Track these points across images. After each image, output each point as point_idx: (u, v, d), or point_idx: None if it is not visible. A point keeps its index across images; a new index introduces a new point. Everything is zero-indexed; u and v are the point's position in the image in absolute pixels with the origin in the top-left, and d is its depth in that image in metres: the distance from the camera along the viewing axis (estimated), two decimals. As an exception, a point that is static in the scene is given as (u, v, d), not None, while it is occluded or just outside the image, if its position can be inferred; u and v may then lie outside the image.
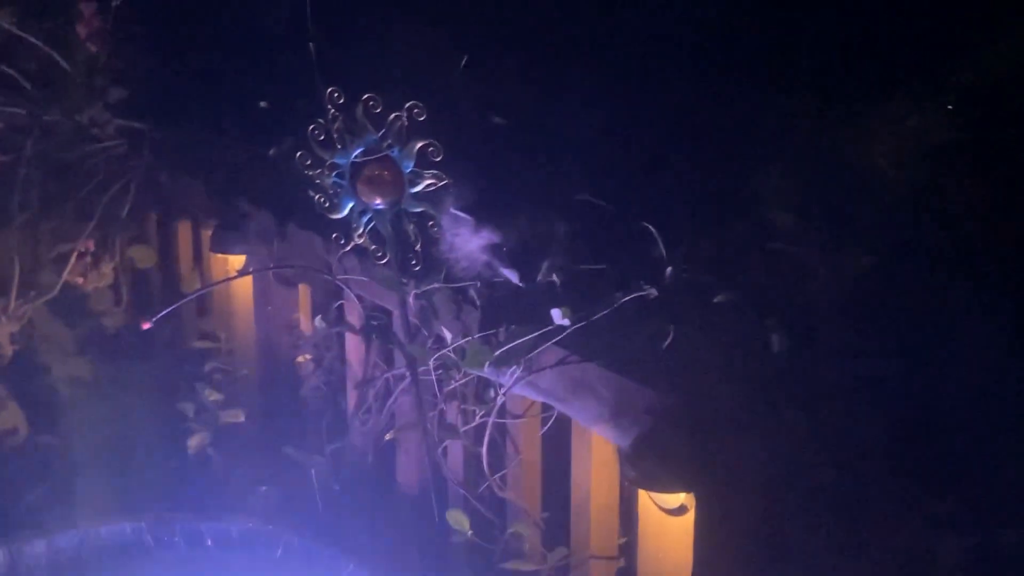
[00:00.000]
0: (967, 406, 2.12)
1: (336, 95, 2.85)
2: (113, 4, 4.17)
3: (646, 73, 2.88)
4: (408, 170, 2.82)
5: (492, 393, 2.87)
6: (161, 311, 3.29)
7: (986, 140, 2.35)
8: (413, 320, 3.04)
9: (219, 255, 4.14)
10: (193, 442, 3.91)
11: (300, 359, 3.88)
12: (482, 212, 2.75)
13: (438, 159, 2.77)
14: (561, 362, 2.63)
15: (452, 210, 2.77)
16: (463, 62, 3.09)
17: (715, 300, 2.41)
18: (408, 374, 3.09)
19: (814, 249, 2.39)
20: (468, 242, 2.75)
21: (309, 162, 2.94)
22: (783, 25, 2.65)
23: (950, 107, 2.36)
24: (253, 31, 3.96)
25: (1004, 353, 2.13)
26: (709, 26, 2.80)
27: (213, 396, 3.95)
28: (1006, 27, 2.35)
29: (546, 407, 2.87)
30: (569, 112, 2.93)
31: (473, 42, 3.17)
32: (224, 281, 4.12)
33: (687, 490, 2.41)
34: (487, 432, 2.92)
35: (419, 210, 2.85)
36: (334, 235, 3.00)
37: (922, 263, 2.31)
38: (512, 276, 2.71)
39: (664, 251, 2.51)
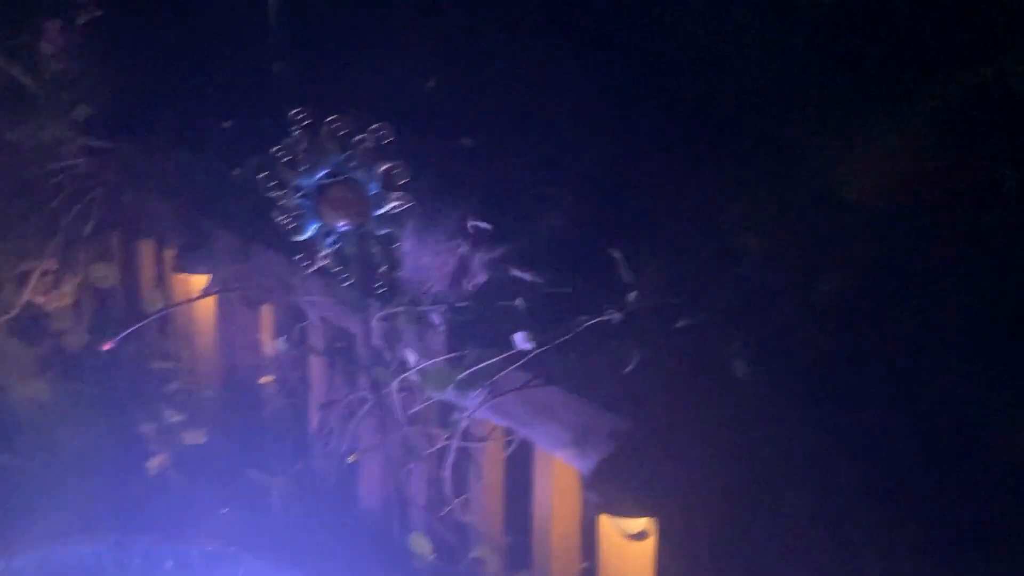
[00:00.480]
0: (934, 428, 2.13)
1: (301, 116, 2.84)
2: (79, 22, 4.15)
3: (615, 98, 2.89)
4: (373, 192, 2.81)
5: (455, 416, 2.86)
6: (123, 331, 3.27)
7: (950, 166, 2.36)
8: (377, 343, 3.03)
9: (182, 275, 4.11)
10: (154, 463, 3.87)
11: (263, 380, 3.85)
12: (445, 233, 2.75)
13: (403, 182, 2.76)
14: (524, 386, 2.62)
15: (415, 231, 2.76)
16: (431, 83, 3.09)
17: (678, 325, 2.41)
18: (371, 397, 3.08)
19: (779, 274, 2.40)
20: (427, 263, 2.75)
21: (274, 183, 2.93)
22: (752, 52, 2.66)
23: (912, 134, 2.37)
24: (220, 51, 3.95)
25: (971, 373, 2.14)
26: (679, 51, 2.80)
27: (174, 417, 3.93)
28: (970, 56, 2.36)
29: (509, 431, 2.86)
30: (537, 136, 2.93)
31: (442, 64, 3.17)
32: (187, 301, 4.09)
33: (649, 515, 2.41)
34: (450, 455, 2.91)
35: (384, 232, 2.84)
36: (298, 256, 2.99)
37: (886, 289, 2.32)
38: (438, 308, 2.72)
39: (628, 275, 2.51)
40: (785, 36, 2.62)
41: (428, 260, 2.77)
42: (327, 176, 2.86)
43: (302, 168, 2.88)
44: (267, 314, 3.87)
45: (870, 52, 2.51)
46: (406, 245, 2.80)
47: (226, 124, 3.46)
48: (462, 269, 2.74)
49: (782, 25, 2.63)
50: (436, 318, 2.77)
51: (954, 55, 2.39)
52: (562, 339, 2.49)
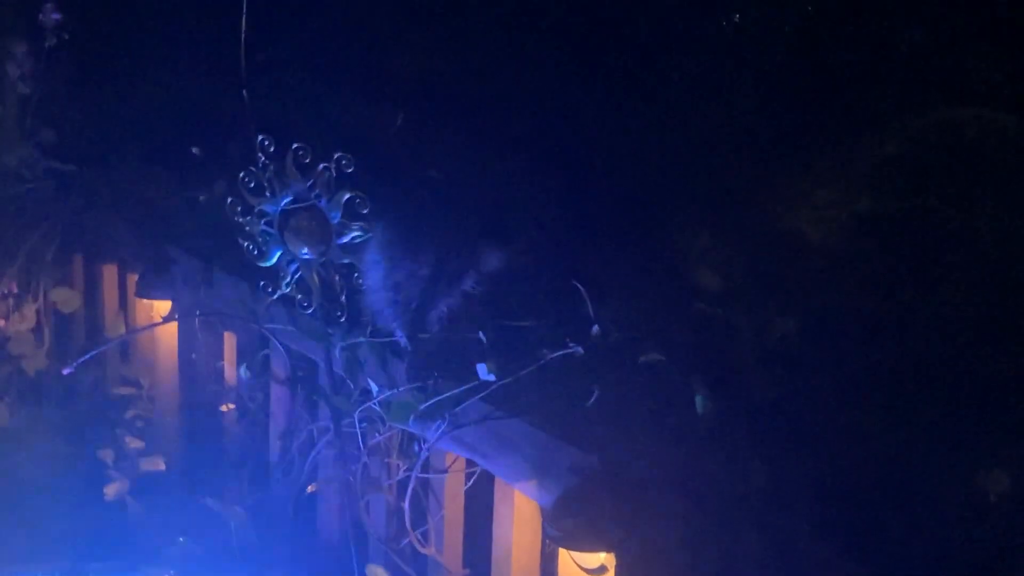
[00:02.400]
0: (890, 467, 2.14)
1: (267, 143, 2.84)
2: (47, 45, 4.14)
3: (576, 134, 2.90)
4: (335, 221, 2.81)
5: (416, 447, 2.85)
6: (83, 356, 3.25)
7: (906, 209, 2.38)
8: (338, 372, 3.02)
9: (145, 300, 4.09)
10: (111, 490, 3.84)
11: (224, 408, 3.83)
12: (406, 264, 2.75)
13: (365, 211, 2.76)
14: (486, 418, 2.62)
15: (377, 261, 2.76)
16: (399, 119, 3.10)
17: (640, 360, 2.42)
18: (332, 426, 3.07)
19: (739, 311, 2.41)
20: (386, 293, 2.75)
21: (239, 209, 2.92)
22: (713, 89, 2.69)
23: (868, 177, 2.40)
24: (188, 76, 3.94)
25: (927, 415, 2.15)
26: (638, 88, 2.83)
27: (133, 443, 3.90)
28: (927, 100, 2.39)
29: (470, 463, 2.85)
30: (502, 171, 2.94)
31: (408, 96, 3.18)
32: (149, 327, 4.07)
33: (608, 550, 2.41)
34: (410, 487, 2.90)
35: (345, 261, 2.83)
36: (262, 283, 2.98)
37: (843, 327, 2.33)
38: (401, 339, 2.72)
39: (591, 309, 2.51)
40: (742, 80, 2.65)
41: (390, 290, 2.77)
42: (291, 203, 2.85)
43: (267, 195, 2.87)
44: (229, 341, 3.85)
45: (827, 96, 2.54)
46: (368, 274, 2.80)
47: (194, 150, 3.46)
48: (425, 300, 2.74)
49: (739, 69, 2.66)
50: (401, 345, 2.76)
51: (908, 101, 2.42)
52: (524, 372, 2.49)
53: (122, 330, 4.23)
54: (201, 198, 3.48)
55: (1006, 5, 2.31)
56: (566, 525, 2.38)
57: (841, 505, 2.13)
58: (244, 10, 2.85)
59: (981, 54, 2.31)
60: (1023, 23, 2.28)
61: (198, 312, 3.79)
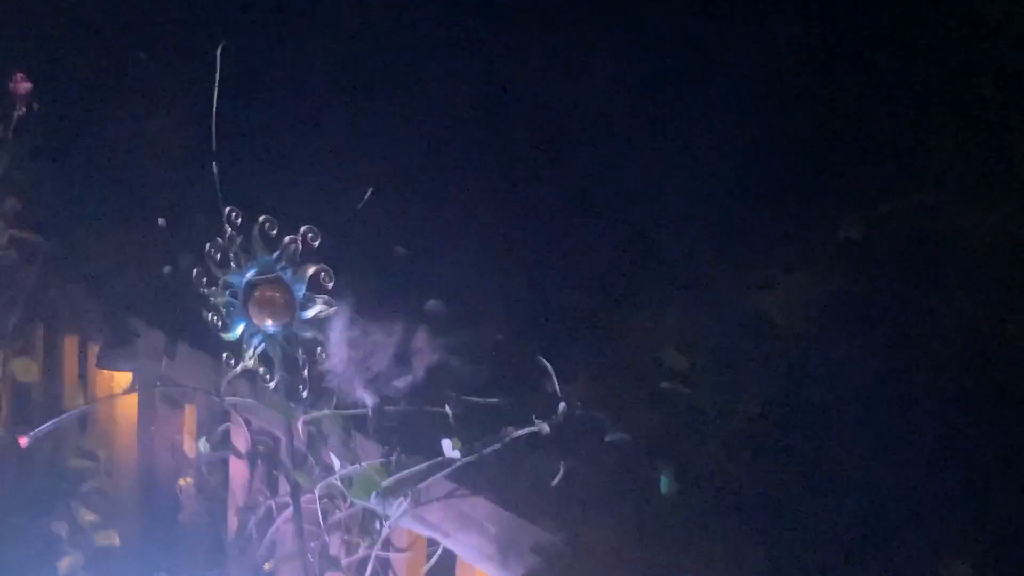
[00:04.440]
0: (858, 558, 2.13)
1: (234, 214, 2.83)
2: (16, 114, 4.13)
3: (544, 211, 2.92)
4: (300, 294, 2.79)
5: (377, 525, 2.82)
6: (40, 427, 3.20)
7: (875, 291, 2.40)
8: (300, 446, 2.99)
9: (105, 371, 4.06)
10: (64, 564, 3.78)
11: (181, 482, 3.78)
12: (370, 338, 2.74)
13: (330, 285, 2.75)
14: (450, 495, 2.59)
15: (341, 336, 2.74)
16: (367, 194, 3.10)
17: (606, 439, 2.41)
18: (291, 502, 3.03)
19: (705, 392, 2.41)
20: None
21: (204, 280, 2.90)
22: (675, 168, 2.71)
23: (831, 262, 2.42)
24: (157, 148, 3.95)
25: (896, 507, 2.15)
26: (601, 166, 2.85)
27: (88, 517, 3.84)
28: (895, 185, 2.42)
29: (432, 542, 2.82)
30: (467, 247, 2.95)
31: (377, 171, 3.19)
32: (108, 398, 4.03)
33: (571, 633, 2.38)
34: (370, 565, 2.86)
35: (309, 335, 2.81)
36: (224, 355, 2.95)
37: (808, 414, 2.34)
38: (369, 400, 2.69)
39: (557, 387, 2.51)
40: (709, 162, 2.68)
41: (354, 364, 2.75)
42: (256, 275, 2.84)
43: (232, 266, 2.86)
44: (189, 414, 3.81)
45: (796, 178, 2.57)
46: (332, 348, 2.78)
47: (160, 221, 3.44)
48: (388, 374, 2.72)
49: (706, 150, 2.69)
50: (367, 416, 2.74)
51: (876, 186, 2.45)
52: (489, 449, 2.48)
53: (81, 401, 4.19)
54: (166, 269, 3.46)
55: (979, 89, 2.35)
56: (529, 606, 2.36)
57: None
58: (216, 83, 2.85)
59: (949, 139, 2.34)
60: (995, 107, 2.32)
61: (158, 383, 3.75)
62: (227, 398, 3.32)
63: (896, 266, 2.40)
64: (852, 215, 2.43)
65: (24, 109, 4.15)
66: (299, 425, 2.93)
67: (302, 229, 2.74)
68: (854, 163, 2.50)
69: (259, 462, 3.39)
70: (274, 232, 2.78)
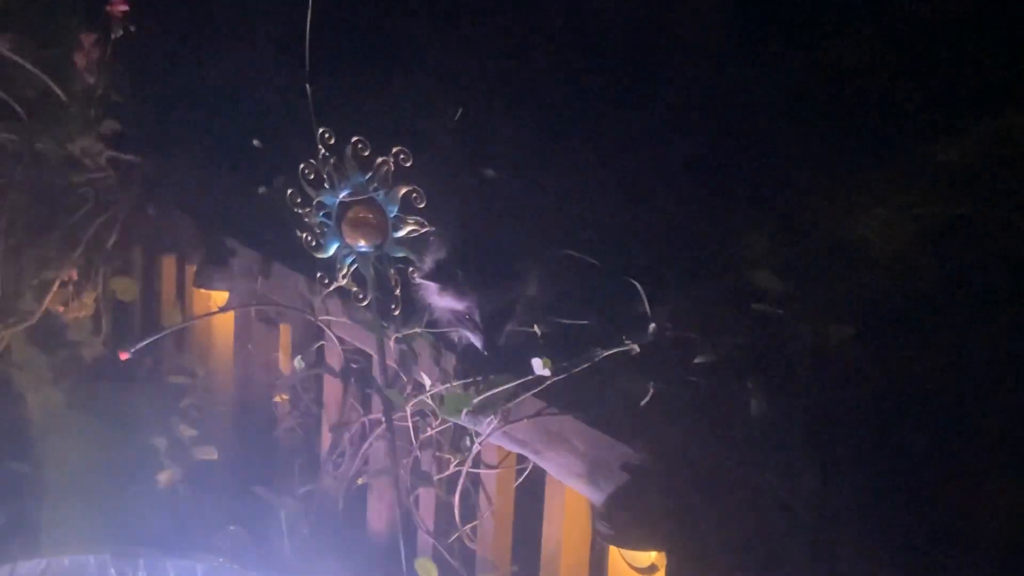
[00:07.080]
0: (947, 481, 2.11)
1: (328, 136, 2.85)
2: (113, 36, 4.18)
3: (637, 133, 2.89)
4: (392, 215, 2.82)
5: (468, 442, 2.86)
6: (140, 343, 3.28)
7: (971, 217, 2.36)
8: (392, 365, 3.03)
9: (202, 290, 4.13)
10: (163, 477, 3.88)
11: (277, 399, 3.85)
12: (463, 265, 2.76)
13: (421, 206, 2.77)
14: (539, 413, 2.61)
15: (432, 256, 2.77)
16: (458, 114, 3.10)
17: (696, 360, 2.40)
18: (384, 419, 3.07)
19: (797, 314, 2.39)
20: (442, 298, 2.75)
21: (299, 200, 2.93)
22: (772, 93, 2.67)
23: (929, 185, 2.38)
24: (251, 70, 3.97)
25: (987, 429, 2.12)
26: (698, 90, 2.82)
27: (187, 432, 3.93)
28: (993, 105, 2.37)
29: (521, 459, 2.85)
30: (558, 169, 2.94)
31: (467, 94, 3.18)
32: (205, 316, 4.11)
33: (659, 549, 2.40)
34: (460, 481, 2.90)
35: (401, 255, 2.84)
36: (318, 275, 2.99)
37: (901, 336, 2.31)
38: (477, 340, 2.72)
39: (648, 308, 2.50)
40: (804, 83, 2.63)
41: (445, 284, 2.78)
42: (349, 196, 2.86)
43: (326, 187, 2.89)
44: (284, 333, 3.87)
45: (895, 99, 2.53)
46: (424, 268, 2.81)
47: (255, 143, 3.47)
48: (481, 294, 2.74)
49: (800, 73, 2.65)
50: (454, 341, 2.77)
51: (966, 109, 2.40)
52: (579, 368, 2.49)
53: (179, 319, 4.27)
54: (261, 190, 3.50)
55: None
56: (617, 522, 2.38)
57: (891, 516, 2.11)
58: (310, 5, 2.86)
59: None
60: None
61: (254, 303, 3.81)
62: (321, 317, 3.36)
63: (993, 189, 2.35)
64: (947, 137, 2.38)
65: (121, 31, 4.19)
66: (391, 343, 2.97)
67: (394, 150, 2.76)
68: (951, 83, 2.45)
69: (352, 380, 3.44)
70: (366, 153, 2.80)
